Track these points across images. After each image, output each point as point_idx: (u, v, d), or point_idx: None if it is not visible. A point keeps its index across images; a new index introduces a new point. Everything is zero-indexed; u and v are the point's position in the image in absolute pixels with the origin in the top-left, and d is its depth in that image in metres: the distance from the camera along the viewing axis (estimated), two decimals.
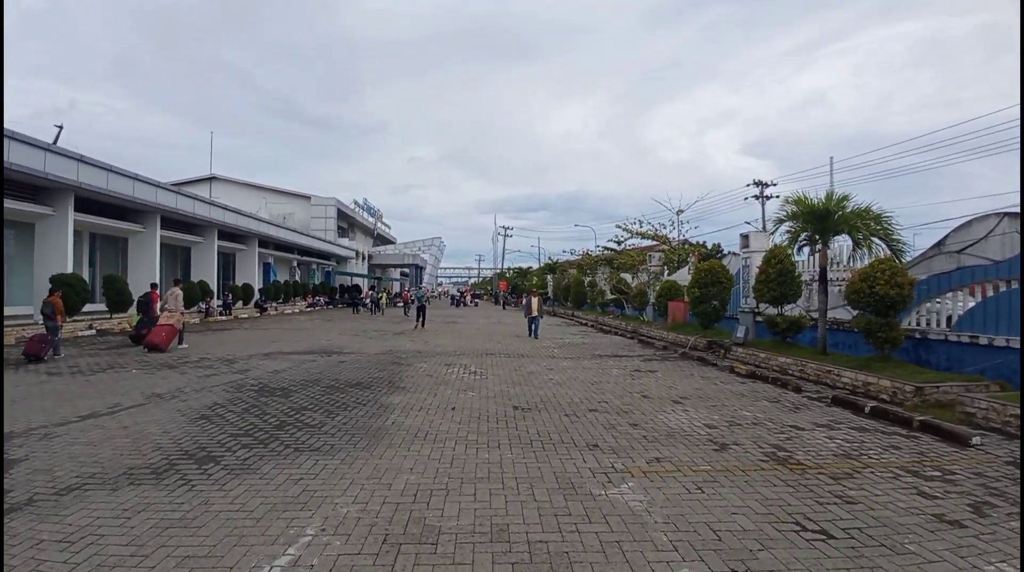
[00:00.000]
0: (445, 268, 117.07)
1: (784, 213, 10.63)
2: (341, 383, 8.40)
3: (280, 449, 4.95)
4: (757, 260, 15.76)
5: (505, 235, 72.67)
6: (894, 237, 9.94)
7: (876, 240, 9.82)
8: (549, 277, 47.16)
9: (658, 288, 19.34)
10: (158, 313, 13.19)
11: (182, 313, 13.82)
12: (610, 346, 15.21)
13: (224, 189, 44.28)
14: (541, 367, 10.50)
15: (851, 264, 11.23)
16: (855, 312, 12.09)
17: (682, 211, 25.15)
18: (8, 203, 15.55)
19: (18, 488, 3.99)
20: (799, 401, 7.64)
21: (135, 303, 15.07)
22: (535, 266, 64.07)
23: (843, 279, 12.05)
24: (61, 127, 26.27)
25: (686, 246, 26.30)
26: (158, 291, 15.14)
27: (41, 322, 11.97)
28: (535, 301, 17.03)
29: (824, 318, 10.30)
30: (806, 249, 11.57)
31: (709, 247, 42.88)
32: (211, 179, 45.44)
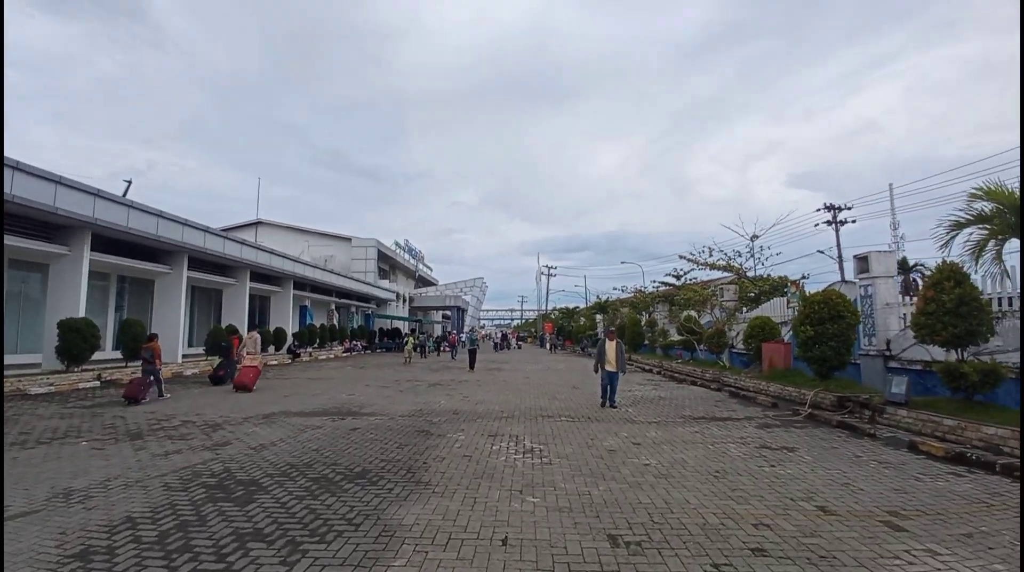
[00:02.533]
0: (487, 310, 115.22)
1: (964, 214, 7.46)
2: (339, 472, 5.73)
3: None
4: (882, 288, 12.40)
5: (549, 275, 70.18)
6: None
7: None
8: (599, 317, 43.81)
9: (745, 327, 15.96)
10: (236, 357, 15.09)
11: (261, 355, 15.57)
12: (697, 402, 11.96)
13: (269, 233, 44.41)
14: (622, 440, 7.51)
15: None
16: None
17: (757, 237, 21.77)
18: (19, 242, 14.35)
19: None
20: None
21: (220, 348, 16.91)
22: (582, 306, 60.77)
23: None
24: (130, 182, 26.37)
25: (760, 279, 22.69)
26: (238, 337, 17.72)
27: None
28: (613, 347, 10.86)
29: None
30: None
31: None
32: (257, 224, 45.90)
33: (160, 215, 17.95)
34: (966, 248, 7.79)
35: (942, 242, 8.04)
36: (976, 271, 7.91)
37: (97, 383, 14.53)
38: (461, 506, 4.57)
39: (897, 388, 8.54)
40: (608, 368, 10.82)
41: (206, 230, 20.63)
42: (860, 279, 12.92)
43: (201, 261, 21.64)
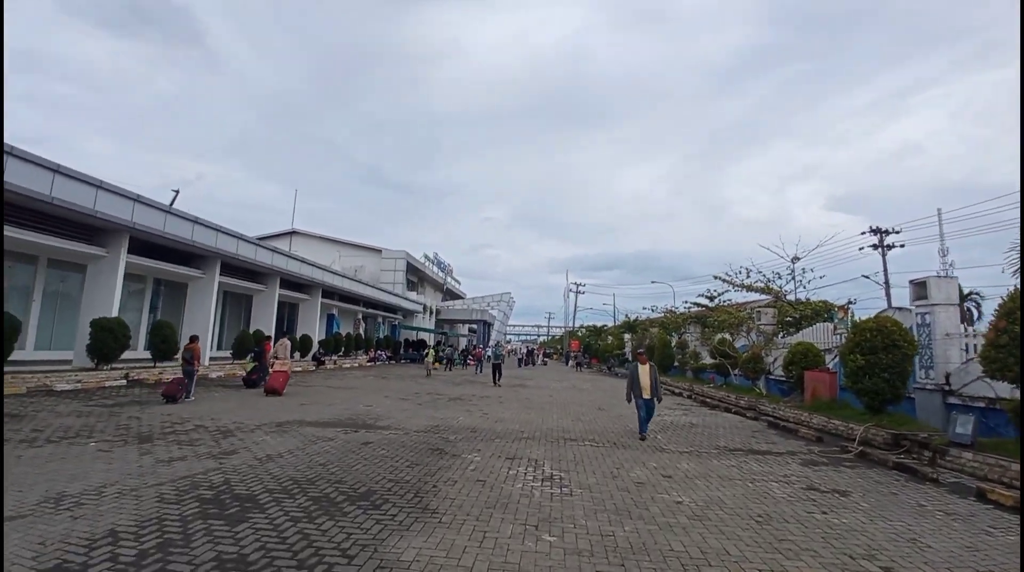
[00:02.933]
0: (514, 325, 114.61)
1: None
2: (342, 491, 5.34)
3: None
4: (943, 316, 11.42)
5: (577, 292, 69.40)
6: None
7: None
8: (627, 336, 42.73)
9: (785, 353, 15.01)
10: (269, 361, 15.48)
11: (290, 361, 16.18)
12: (732, 431, 11.16)
13: (303, 243, 45.35)
14: (651, 471, 6.89)
15: None
16: None
17: (798, 259, 20.77)
18: (60, 242, 14.79)
19: None
20: None
21: (254, 352, 17.33)
22: (610, 324, 59.59)
23: None
24: (177, 191, 27.46)
25: (801, 303, 21.53)
26: (271, 342, 17.88)
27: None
28: (646, 372, 9.78)
29: None
30: None
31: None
32: (292, 233, 46.98)
33: (196, 221, 18.32)
34: None
35: (1015, 268, 7.20)
36: None
37: (124, 382, 14.70)
38: (468, 541, 4.09)
39: (962, 428, 7.64)
40: (644, 396, 9.60)
41: (239, 237, 20.98)
42: (916, 306, 11.94)
43: (233, 267, 22.01)
